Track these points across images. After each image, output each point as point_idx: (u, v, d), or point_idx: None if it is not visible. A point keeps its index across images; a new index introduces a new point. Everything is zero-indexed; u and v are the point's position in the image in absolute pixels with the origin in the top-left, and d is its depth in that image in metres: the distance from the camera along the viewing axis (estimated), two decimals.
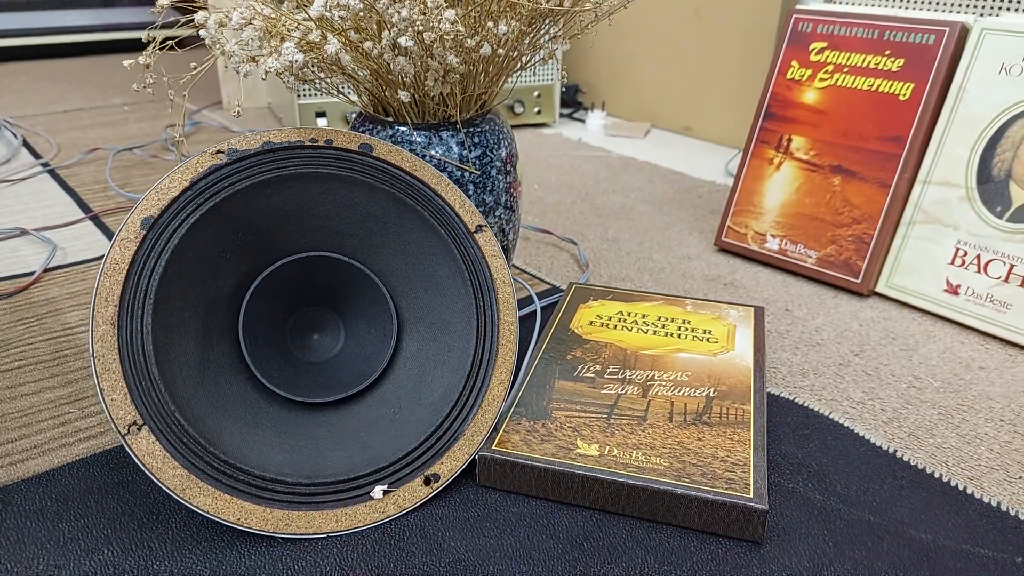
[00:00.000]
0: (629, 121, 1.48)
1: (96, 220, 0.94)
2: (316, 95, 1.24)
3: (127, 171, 1.12)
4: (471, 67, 0.55)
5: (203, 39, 0.50)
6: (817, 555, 0.44)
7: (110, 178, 1.08)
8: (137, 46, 2.28)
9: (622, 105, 1.51)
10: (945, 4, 0.96)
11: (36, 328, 0.69)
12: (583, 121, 1.48)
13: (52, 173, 1.12)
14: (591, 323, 0.64)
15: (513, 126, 1.45)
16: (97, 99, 1.62)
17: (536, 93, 1.38)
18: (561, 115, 1.52)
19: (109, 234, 0.90)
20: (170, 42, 0.54)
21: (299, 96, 1.22)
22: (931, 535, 0.46)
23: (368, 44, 0.50)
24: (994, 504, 0.49)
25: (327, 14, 0.47)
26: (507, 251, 0.68)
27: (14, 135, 1.30)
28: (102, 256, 0.83)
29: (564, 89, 1.54)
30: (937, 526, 0.47)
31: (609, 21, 1.39)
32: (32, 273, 0.79)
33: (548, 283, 0.78)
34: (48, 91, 1.71)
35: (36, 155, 1.20)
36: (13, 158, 1.19)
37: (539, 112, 1.39)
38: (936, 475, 0.51)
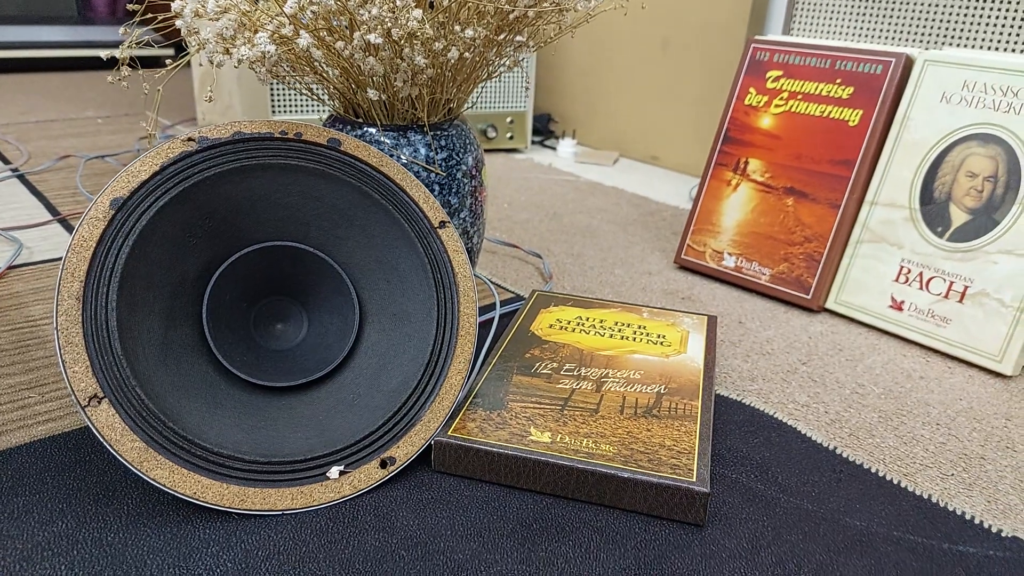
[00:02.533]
0: (598, 150, 1.52)
1: (64, 223, 0.95)
2: (290, 111, 1.26)
3: (98, 179, 1.13)
4: (439, 71, 0.58)
5: (179, 30, 0.52)
6: (756, 538, 0.46)
7: (80, 184, 1.08)
8: (112, 63, 2.29)
9: (592, 135, 1.55)
10: (892, 37, 1.01)
11: None
12: (554, 148, 1.52)
13: (21, 178, 1.12)
14: (551, 326, 0.66)
15: (486, 150, 1.48)
16: (70, 112, 1.62)
17: (509, 119, 1.41)
18: (533, 142, 1.55)
19: None
20: (147, 39, 0.56)
21: (273, 113, 1.24)
22: (865, 522, 0.48)
23: (340, 44, 0.53)
24: (926, 496, 0.51)
25: (299, 13, 0.49)
26: (471, 255, 0.70)
27: None
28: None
29: (535, 116, 1.58)
30: (871, 515, 0.49)
31: (571, 34, 1.44)
32: None
33: (512, 292, 0.80)
34: (20, 103, 1.71)
35: (6, 161, 1.21)
36: None
37: (511, 137, 1.42)
38: (873, 470, 0.53)
